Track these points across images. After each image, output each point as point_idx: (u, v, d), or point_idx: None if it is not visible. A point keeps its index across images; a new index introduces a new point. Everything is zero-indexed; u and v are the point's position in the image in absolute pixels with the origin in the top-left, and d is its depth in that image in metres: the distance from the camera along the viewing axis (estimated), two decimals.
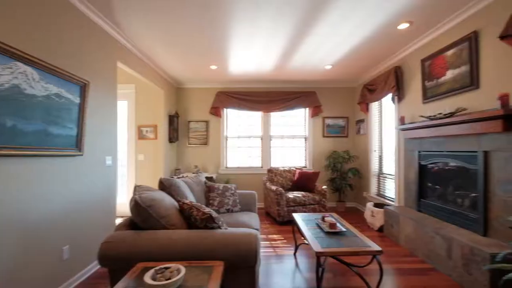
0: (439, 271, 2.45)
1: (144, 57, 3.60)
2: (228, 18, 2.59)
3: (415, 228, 2.84)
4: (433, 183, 3.02)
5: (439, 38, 2.83)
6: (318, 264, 1.86)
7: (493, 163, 2.20)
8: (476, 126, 2.27)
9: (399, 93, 3.56)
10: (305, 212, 4.00)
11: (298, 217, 2.75)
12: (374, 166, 4.49)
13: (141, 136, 4.55)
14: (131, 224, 1.71)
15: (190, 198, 2.29)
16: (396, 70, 3.55)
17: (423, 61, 3.06)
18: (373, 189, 4.51)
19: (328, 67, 4.14)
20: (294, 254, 2.86)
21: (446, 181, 2.81)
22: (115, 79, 2.87)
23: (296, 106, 5.11)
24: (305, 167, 5.25)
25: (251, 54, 3.58)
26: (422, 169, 3.16)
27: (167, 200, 1.75)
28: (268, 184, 4.30)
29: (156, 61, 3.86)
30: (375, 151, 4.47)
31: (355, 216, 4.45)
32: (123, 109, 4.51)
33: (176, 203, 1.85)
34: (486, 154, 2.26)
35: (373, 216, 3.70)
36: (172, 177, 2.56)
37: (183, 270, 1.17)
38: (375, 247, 1.84)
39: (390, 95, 3.82)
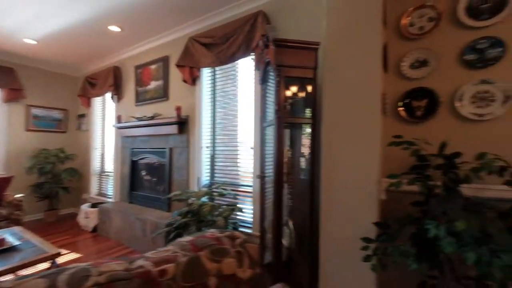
0: (137, 250, 2.85)
1: None
2: None
3: (122, 219, 3.07)
4: (142, 176, 3.47)
5: (148, 52, 3.33)
6: None
7: (174, 156, 2.99)
8: (166, 129, 2.95)
9: (118, 93, 3.70)
10: None
11: None
12: (96, 164, 4.27)
13: None
14: None
15: None
16: (115, 70, 3.65)
17: (136, 68, 3.43)
18: (94, 189, 4.27)
19: (31, 41, 3.24)
20: None
21: (151, 173, 3.37)
22: None
23: None
24: None
25: None
26: (134, 164, 3.52)
27: None
28: None
29: None
30: (97, 149, 4.26)
31: (68, 223, 3.89)
32: None
33: None
34: (171, 150, 3.02)
35: (87, 217, 3.48)
36: None
37: None
38: (53, 251, 1.69)
39: (110, 93, 3.84)
